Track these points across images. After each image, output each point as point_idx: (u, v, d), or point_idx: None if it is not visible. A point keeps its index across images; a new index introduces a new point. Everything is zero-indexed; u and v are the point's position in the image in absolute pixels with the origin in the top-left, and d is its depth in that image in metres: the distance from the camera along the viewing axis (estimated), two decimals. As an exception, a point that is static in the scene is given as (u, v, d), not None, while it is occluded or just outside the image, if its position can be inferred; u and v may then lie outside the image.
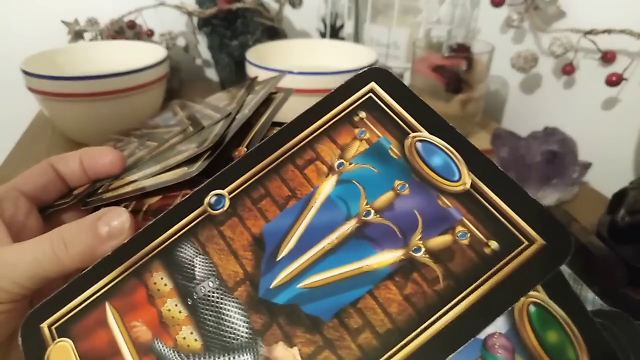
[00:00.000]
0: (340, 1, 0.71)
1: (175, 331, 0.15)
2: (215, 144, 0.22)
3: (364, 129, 0.18)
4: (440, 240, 0.15)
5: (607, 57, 0.48)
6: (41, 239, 0.20)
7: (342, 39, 0.72)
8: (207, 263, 0.16)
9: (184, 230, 0.17)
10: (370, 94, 0.19)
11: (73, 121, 0.53)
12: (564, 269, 0.33)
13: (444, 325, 0.13)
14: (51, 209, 0.24)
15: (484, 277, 0.13)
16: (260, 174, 0.18)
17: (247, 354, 0.14)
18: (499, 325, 0.13)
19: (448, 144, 0.16)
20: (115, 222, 0.20)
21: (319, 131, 0.18)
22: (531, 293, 0.13)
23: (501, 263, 0.13)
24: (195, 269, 0.17)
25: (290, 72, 0.50)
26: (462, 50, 0.56)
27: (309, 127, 0.19)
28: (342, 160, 0.18)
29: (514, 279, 0.12)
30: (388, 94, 0.18)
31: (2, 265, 0.19)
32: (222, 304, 0.16)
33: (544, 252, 0.13)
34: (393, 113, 0.18)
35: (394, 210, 0.16)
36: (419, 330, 0.13)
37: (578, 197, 0.45)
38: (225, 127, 0.24)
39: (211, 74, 0.82)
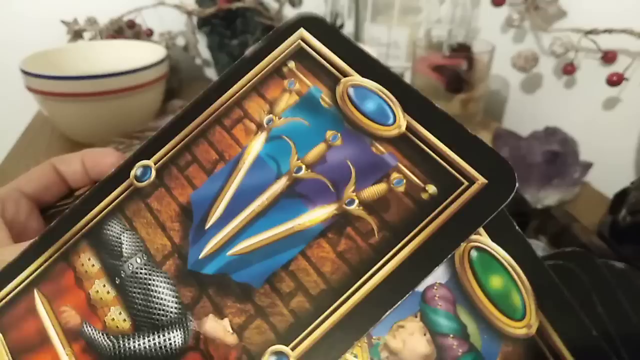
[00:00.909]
0: (340, 1, 0.70)
1: (104, 312, 0.15)
2: None
3: (293, 79, 0.17)
4: (374, 190, 0.14)
5: (608, 57, 0.48)
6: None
7: (342, 38, 0.72)
8: (134, 239, 0.16)
9: (110, 207, 0.17)
10: (299, 42, 0.17)
11: (72, 121, 0.53)
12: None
13: (380, 280, 0.12)
14: (52, 210, 0.24)
15: (422, 224, 0.12)
16: (186, 139, 0.17)
17: (176, 330, 0.14)
18: (439, 275, 0.11)
19: (382, 85, 0.15)
20: None
21: (245, 87, 0.17)
22: (473, 237, 0.12)
23: (440, 207, 0.12)
24: (123, 246, 0.16)
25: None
26: (463, 50, 0.56)
27: (235, 83, 0.17)
28: (271, 116, 0.17)
29: (453, 224, 0.12)
30: (318, 40, 0.17)
31: (2, 265, 0.19)
32: (150, 280, 0.15)
33: (486, 191, 0.12)
34: (324, 59, 0.17)
35: (325, 163, 0.15)
36: (353, 288, 0.12)
37: (579, 197, 0.45)
38: None
39: (211, 73, 0.82)
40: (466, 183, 0.12)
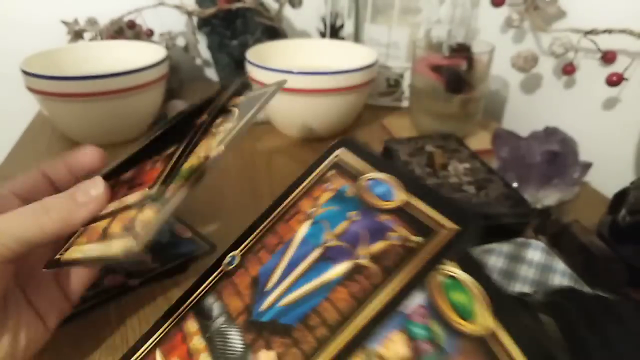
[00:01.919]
0: (340, 1, 0.71)
1: (197, 359, 0.21)
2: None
3: (330, 182, 0.24)
4: (378, 246, 0.19)
5: (608, 57, 0.48)
6: (25, 208, 0.22)
7: (342, 38, 0.72)
8: (221, 305, 0.22)
9: (208, 287, 0.23)
10: (338, 156, 0.24)
11: (73, 121, 0.53)
12: (568, 271, 0.33)
13: (378, 304, 0.17)
14: None
15: (408, 262, 0.17)
16: (261, 233, 0.24)
17: None
18: (419, 300, 0.15)
19: (389, 175, 0.21)
20: (92, 191, 0.23)
21: (300, 193, 0.25)
22: (443, 267, 0.16)
23: (423, 250, 0.17)
24: (213, 311, 0.22)
25: (290, 72, 0.50)
26: (463, 50, 0.56)
27: (294, 190, 0.25)
28: (315, 208, 0.23)
29: (431, 259, 0.16)
30: (351, 153, 0.24)
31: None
32: (227, 332, 0.21)
33: (457, 235, 0.16)
34: (352, 166, 0.23)
35: (347, 233, 0.21)
36: (358, 314, 0.17)
37: (579, 197, 0.45)
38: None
39: (211, 74, 0.82)
40: (443, 230, 0.17)
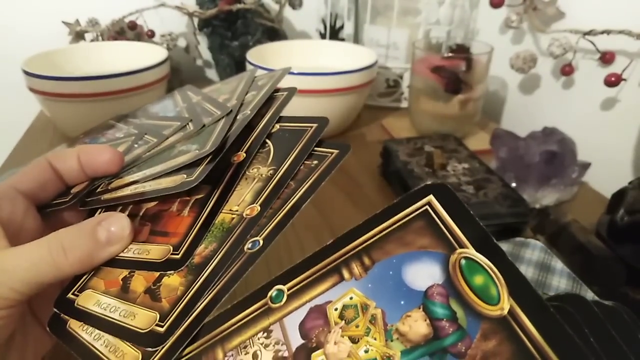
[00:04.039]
0: (340, 2, 0.71)
1: None
2: (217, 149, 0.23)
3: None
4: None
5: (606, 58, 0.48)
6: (39, 244, 0.19)
7: (342, 39, 0.72)
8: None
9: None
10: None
11: (74, 121, 0.53)
12: (564, 268, 0.33)
13: None
14: (49, 209, 0.24)
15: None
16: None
17: None
18: (437, 277, 0.14)
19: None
20: (114, 228, 0.20)
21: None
22: (461, 250, 0.15)
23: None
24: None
25: (291, 73, 0.50)
26: (462, 51, 0.57)
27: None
28: None
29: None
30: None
31: None
32: None
33: None
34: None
35: None
36: None
37: (577, 197, 0.45)
38: (226, 129, 0.24)
39: (212, 74, 0.82)
40: None
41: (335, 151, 0.22)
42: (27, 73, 0.50)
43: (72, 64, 0.59)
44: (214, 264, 0.19)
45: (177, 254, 0.20)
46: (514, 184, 0.43)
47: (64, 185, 0.24)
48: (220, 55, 0.70)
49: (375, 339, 0.14)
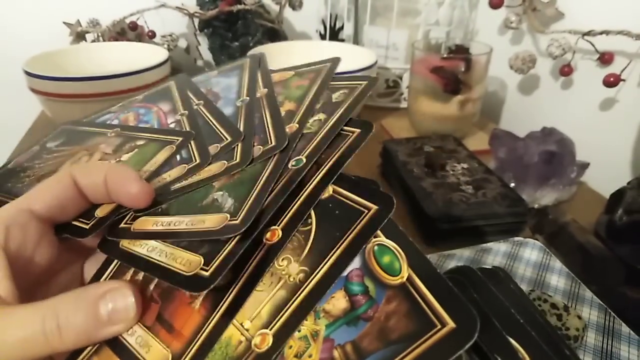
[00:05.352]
0: (340, 3, 0.71)
1: None
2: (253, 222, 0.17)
3: None
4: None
5: (605, 58, 0.48)
6: (33, 314, 0.17)
7: (342, 40, 0.72)
8: None
9: None
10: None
11: (75, 122, 0.54)
12: (558, 265, 0.33)
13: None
14: (68, 235, 0.21)
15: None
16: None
17: None
18: (356, 263, 0.17)
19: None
20: (118, 305, 0.18)
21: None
22: (375, 239, 0.17)
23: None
24: None
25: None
26: (461, 52, 0.57)
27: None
28: None
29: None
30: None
31: None
32: None
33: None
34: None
35: None
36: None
37: (576, 197, 0.45)
38: (273, 181, 0.18)
39: (212, 75, 0.83)
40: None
41: (357, 130, 0.19)
42: (28, 73, 0.50)
43: (73, 64, 0.59)
44: None
45: None
46: (512, 184, 0.44)
47: (87, 203, 0.21)
48: (220, 55, 0.70)
49: (307, 320, 0.17)
